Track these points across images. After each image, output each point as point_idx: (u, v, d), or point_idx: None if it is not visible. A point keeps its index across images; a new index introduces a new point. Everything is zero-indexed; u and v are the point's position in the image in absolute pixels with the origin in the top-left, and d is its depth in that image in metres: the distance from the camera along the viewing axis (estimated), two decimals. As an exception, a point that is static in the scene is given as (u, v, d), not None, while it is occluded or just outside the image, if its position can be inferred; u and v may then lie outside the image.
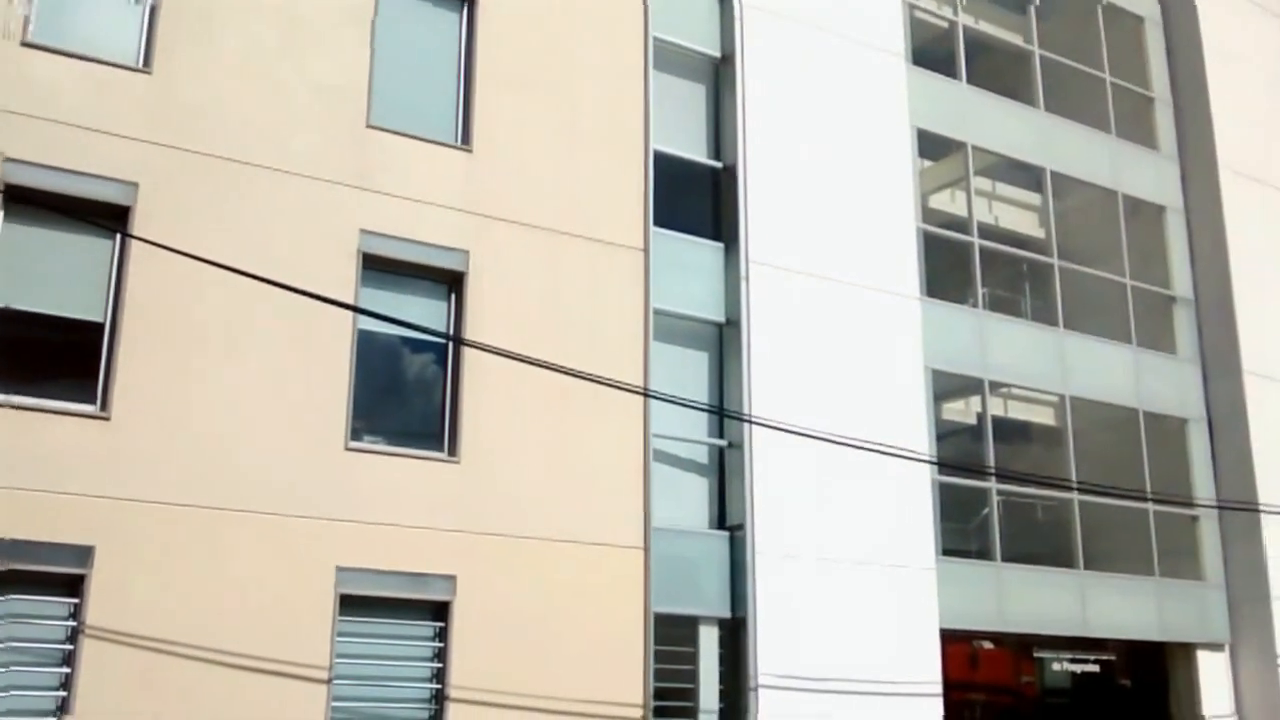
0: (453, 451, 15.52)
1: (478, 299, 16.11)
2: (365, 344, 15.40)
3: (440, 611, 14.95)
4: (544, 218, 16.90)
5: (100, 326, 13.88)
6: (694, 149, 19.25)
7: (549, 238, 16.85)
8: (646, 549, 16.43)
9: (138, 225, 13.93)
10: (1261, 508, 23.34)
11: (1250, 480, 23.80)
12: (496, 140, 16.83)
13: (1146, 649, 23.46)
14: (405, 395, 15.92)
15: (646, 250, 17.66)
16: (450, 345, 15.91)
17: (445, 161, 16.42)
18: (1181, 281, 25.16)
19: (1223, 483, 24.16)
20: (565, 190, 17.20)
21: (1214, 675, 23.52)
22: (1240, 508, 23.45)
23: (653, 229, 17.84)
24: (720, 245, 18.88)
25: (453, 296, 16.21)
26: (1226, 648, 23.75)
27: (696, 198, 19.14)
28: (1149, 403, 23.85)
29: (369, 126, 15.93)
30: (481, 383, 15.80)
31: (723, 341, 18.63)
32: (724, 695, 17.03)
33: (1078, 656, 22.43)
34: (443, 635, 14.90)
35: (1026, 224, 24.75)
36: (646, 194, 17.90)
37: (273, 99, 15.31)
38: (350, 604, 14.39)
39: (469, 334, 15.65)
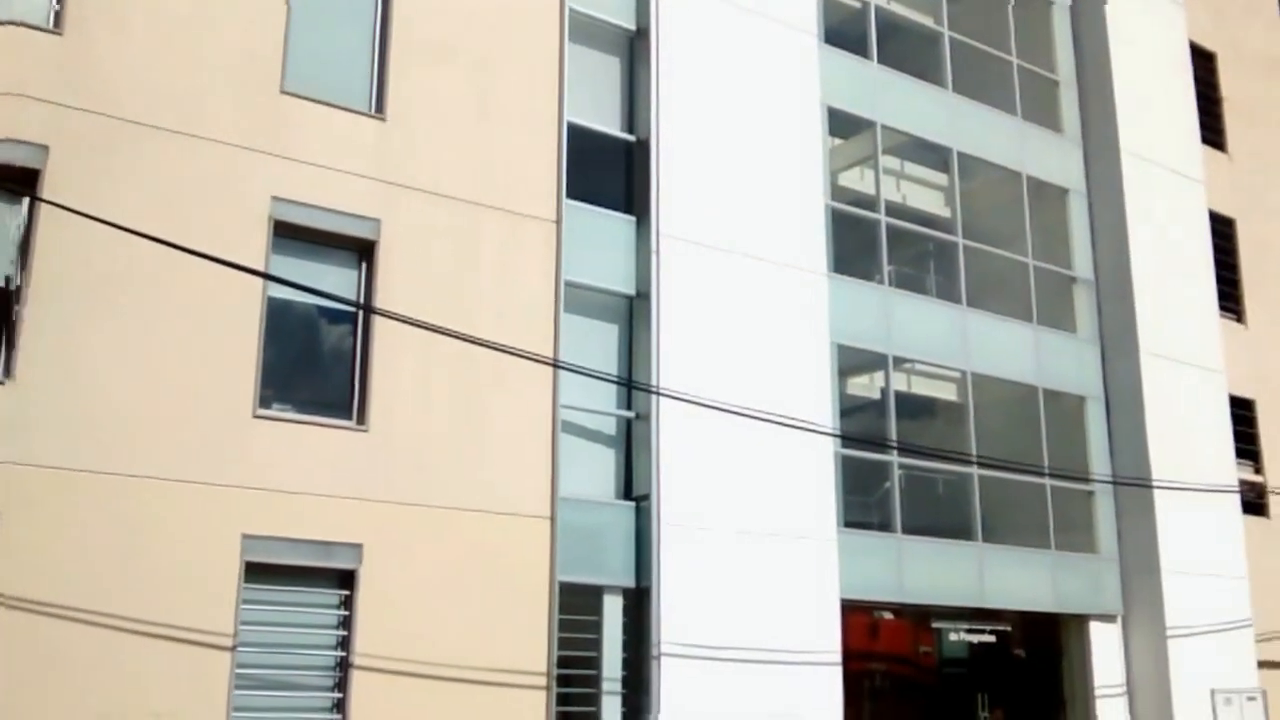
0: (361, 420, 15.59)
1: (389, 268, 16.15)
2: (275, 311, 15.39)
3: (346, 580, 15.02)
4: (456, 188, 16.95)
5: (6, 291, 13.78)
6: (608, 122, 19.32)
7: (461, 208, 16.92)
8: (553, 519, 16.61)
9: (48, 189, 13.82)
10: (1155, 483, 23.94)
11: (1144, 457, 24.37)
12: (410, 109, 16.86)
13: (1041, 620, 23.97)
14: (315, 363, 15.95)
15: (559, 222, 17.78)
16: (360, 314, 15.95)
17: (359, 129, 16.43)
18: (1082, 263, 25.67)
19: (1118, 459, 24.73)
20: (478, 160, 17.25)
21: (1106, 646, 24.09)
22: (1134, 483, 24.03)
23: (565, 201, 17.93)
24: (632, 218, 18.99)
25: (364, 265, 16.23)
26: (1119, 619, 24.32)
27: (609, 171, 19.22)
28: (1049, 380, 24.35)
29: (283, 93, 15.87)
30: (391, 352, 15.87)
31: (633, 314, 18.76)
32: (627, 664, 17.26)
33: (975, 627, 22.87)
34: (348, 603, 14.97)
35: (933, 203, 25.09)
36: (560, 166, 18.00)
37: (186, 63, 15.20)
38: (256, 572, 14.42)
39: (380, 303, 15.70)
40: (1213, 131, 29.18)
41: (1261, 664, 25.30)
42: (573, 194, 18.14)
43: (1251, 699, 24.61)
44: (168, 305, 14.41)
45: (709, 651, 17.37)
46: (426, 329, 14.48)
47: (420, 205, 16.57)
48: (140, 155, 14.61)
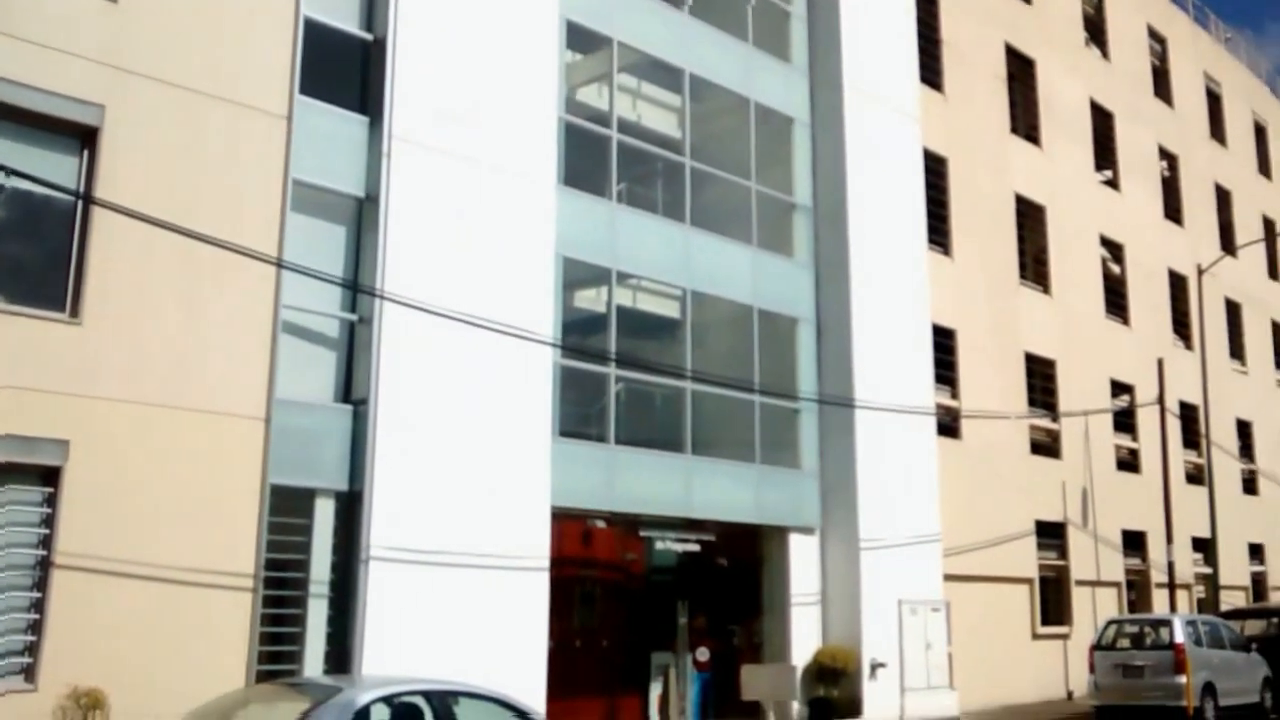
0: (75, 313, 15.08)
1: (111, 156, 15.59)
2: (-14, 197, 14.78)
3: (50, 477, 14.60)
4: (187, 77, 16.43)
5: None
6: (345, 19, 18.94)
7: (190, 98, 16.44)
8: (268, 420, 16.48)
9: None
10: (857, 404, 25.15)
11: (849, 378, 25.57)
12: (140, -9, 16.23)
13: (744, 531, 24.99)
14: (27, 252, 15.29)
15: (290, 118, 17.45)
16: (79, 203, 15.35)
17: (85, 9, 15.70)
18: (802, 190, 26.57)
19: (825, 379, 25.88)
20: (211, 50, 16.75)
21: (804, 557, 25.33)
22: (838, 403, 25.21)
23: (298, 97, 17.60)
24: (365, 119, 18.75)
25: (85, 152, 15.59)
26: (817, 532, 25.56)
27: (344, 69, 18.89)
28: (764, 302, 25.23)
29: (1, -33, 15.11)
30: (111, 243, 15.35)
31: (361, 216, 18.61)
32: (336, 568, 17.34)
33: (681, 536, 23.63)
34: (52, 501, 14.58)
35: (666, 124, 25.52)
36: (294, 61, 17.63)
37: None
38: (-47, 471, 13.92)
39: (100, 192, 15.16)
40: (932, 72, 30.43)
41: (947, 577, 26.99)
42: (306, 90, 17.80)
43: (935, 610, 26.25)
44: None
45: (419, 556, 17.62)
46: (147, 221, 14.15)
47: (147, 92, 16.02)
48: None
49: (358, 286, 18.13)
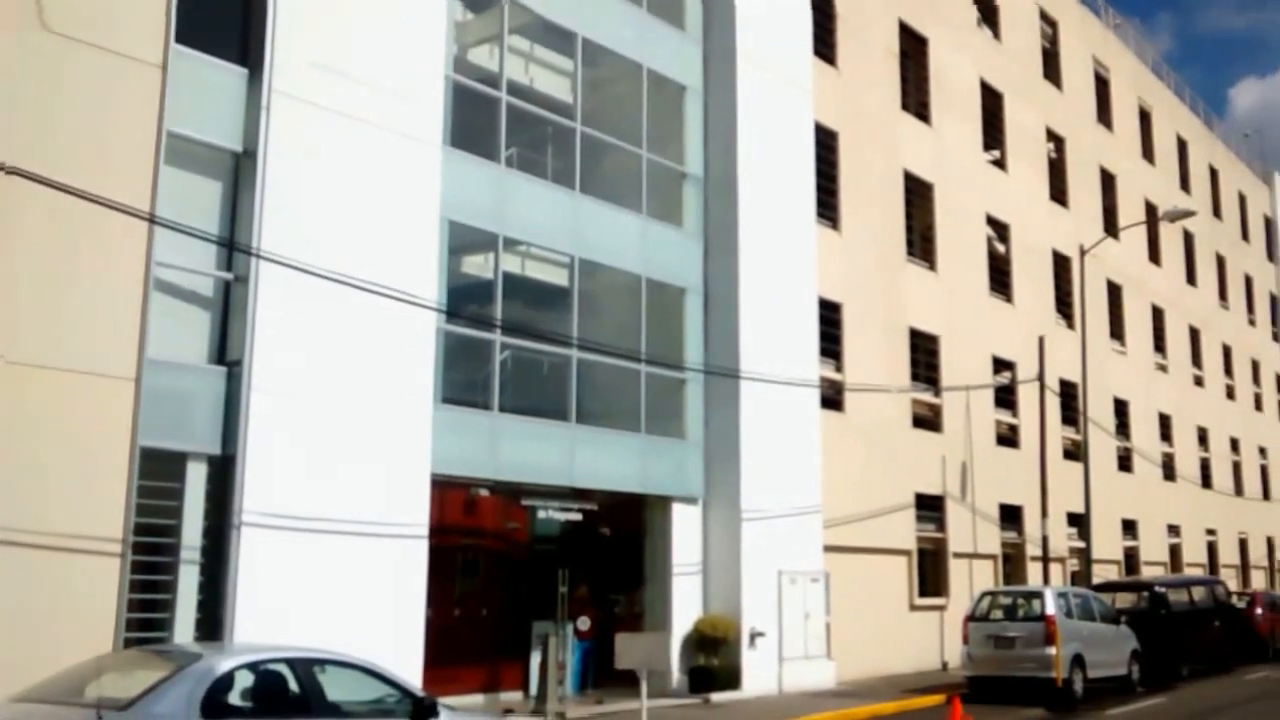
0: (-68, 267, 14.50)
1: (-30, 102, 14.98)
2: None
3: (-95, 438, 14.03)
4: (55, 22, 15.73)
5: None
6: (224, -32, 18.43)
7: (59, 44, 15.77)
8: (138, 381, 15.92)
9: None
10: (742, 375, 25.15)
11: (734, 349, 25.58)
12: (7, -66, 15.56)
13: (628, 501, 24.95)
14: (-117, 203, 14.69)
15: (165, 68, 16.82)
16: (-63, 154, 14.74)
17: (-57, -52, 15.09)
18: (693, 159, 26.45)
19: (711, 350, 25.85)
20: (79, -7, 16.14)
21: (686, 527, 25.35)
22: (724, 374, 25.20)
23: (174, 46, 16.96)
24: (244, 71, 18.19)
25: (-55, 101, 14.99)
26: (699, 502, 25.57)
27: (223, 18, 18.33)
28: (653, 271, 25.10)
29: None
30: (-30, 194, 14.78)
31: (238, 172, 18.05)
32: (208, 533, 16.87)
33: (565, 505, 23.49)
34: (-96, 463, 14.00)
35: (558, 88, 25.21)
36: (170, 7, 16.96)
37: None
38: None
39: (-37, 142, 14.59)
40: (825, 45, 30.46)
41: (827, 548, 27.17)
42: (182, 39, 17.17)
43: (815, 580, 26.42)
44: None
45: (293, 522, 17.22)
46: (13, 174, 13.60)
47: (11, 38, 15.35)
48: None
49: (233, 245, 17.61)
